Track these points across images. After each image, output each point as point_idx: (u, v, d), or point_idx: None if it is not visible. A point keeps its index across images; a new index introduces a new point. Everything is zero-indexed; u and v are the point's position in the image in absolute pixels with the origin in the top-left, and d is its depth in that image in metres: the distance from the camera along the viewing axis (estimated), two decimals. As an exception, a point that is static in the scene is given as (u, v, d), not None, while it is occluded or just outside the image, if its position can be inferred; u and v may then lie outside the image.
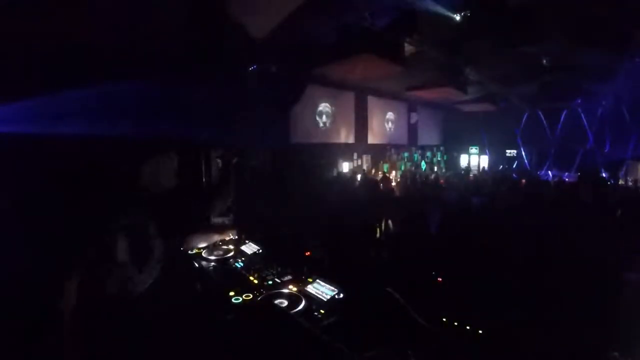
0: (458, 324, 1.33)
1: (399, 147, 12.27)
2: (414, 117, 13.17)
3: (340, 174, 9.26)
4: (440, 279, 1.80)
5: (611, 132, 10.81)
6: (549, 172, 11.90)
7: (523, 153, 12.86)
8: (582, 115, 11.36)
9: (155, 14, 4.22)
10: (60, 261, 1.53)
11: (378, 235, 3.64)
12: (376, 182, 6.89)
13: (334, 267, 1.87)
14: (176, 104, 5.28)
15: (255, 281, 1.85)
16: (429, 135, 13.95)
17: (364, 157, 10.82)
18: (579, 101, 10.72)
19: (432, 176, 9.97)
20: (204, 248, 2.41)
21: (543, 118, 12.26)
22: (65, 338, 1.19)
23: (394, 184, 8.15)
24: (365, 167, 10.60)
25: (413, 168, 11.30)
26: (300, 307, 1.56)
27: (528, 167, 12.42)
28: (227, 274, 2.01)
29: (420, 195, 6.30)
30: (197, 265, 2.12)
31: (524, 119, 12.59)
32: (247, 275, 1.95)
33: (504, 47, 6.45)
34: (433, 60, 7.28)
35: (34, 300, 1.42)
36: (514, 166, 12.68)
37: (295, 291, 1.70)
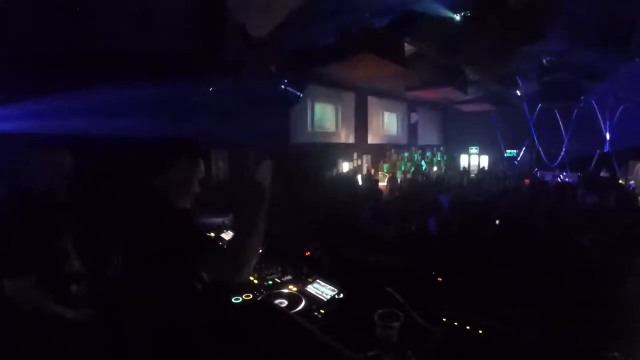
0: (458, 324, 1.33)
1: (399, 147, 12.27)
2: (414, 117, 13.15)
3: (339, 174, 9.27)
4: (440, 279, 1.80)
5: (611, 132, 10.81)
6: (549, 172, 11.88)
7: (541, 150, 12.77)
8: (582, 115, 11.35)
9: (157, 15, 4.22)
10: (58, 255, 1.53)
11: (379, 235, 3.64)
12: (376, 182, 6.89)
13: (334, 267, 1.87)
14: (175, 104, 5.27)
15: (255, 281, 1.85)
16: (429, 135, 13.94)
17: (364, 157, 10.82)
18: (580, 101, 10.70)
19: (434, 177, 9.97)
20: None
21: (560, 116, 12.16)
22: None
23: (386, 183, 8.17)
24: (365, 167, 10.60)
25: (413, 168, 11.29)
26: (300, 307, 1.56)
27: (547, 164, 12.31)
28: None
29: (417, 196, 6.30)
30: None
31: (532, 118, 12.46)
32: (247, 275, 1.95)
33: (504, 47, 6.45)
34: (433, 60, 7.28)
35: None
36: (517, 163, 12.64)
37: (295, 291, 1.70)
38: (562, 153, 11.84)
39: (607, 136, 10.96)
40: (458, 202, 5.10)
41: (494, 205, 5.12)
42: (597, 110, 10.94)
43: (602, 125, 11.10)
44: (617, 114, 10.55)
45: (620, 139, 10.67)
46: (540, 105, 11.30)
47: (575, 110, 11.33)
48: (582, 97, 10.13)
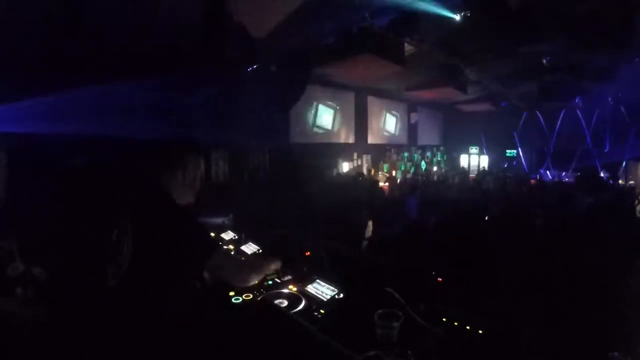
0: (458, 324, 1.33)
1: (399, 147, 12.27)
2: (414, 117, 13.16)
3: (340, 174, 9.27)
4: (440, 279, 1.80)
5: (610, 132, 10.83)
6: (547, 172, 11.94)
7: (521, 153, 12.92)
8: (581, 115, 11.40)
9: (157, 15, 4.22)
10: (57, 257, 1.53)
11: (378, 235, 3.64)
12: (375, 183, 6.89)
13: (333, 267, 1.87)
14: (175, 104, 5.28)
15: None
16: (429, 135, 13.94)
17: (364, 157, 10.82)
18: (578, 101, 10.74)
19: (434, 177, 9.96)
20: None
21: (542, 118, 12.29)
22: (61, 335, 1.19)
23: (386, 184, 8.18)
24: (365, 167, 10.59)
25: (413, 168, 11.28)
26: (300, 307, 1.55)
27: (525, 168, 12.47)
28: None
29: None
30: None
31: (522, 120, 12.60)
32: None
33: (504, 47, 6.45)
34: (433, 60, 7.28)
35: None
36: (514, 164, 12.75)
37: (295, 291, 1.70)
38: (549, 153, 12.01)
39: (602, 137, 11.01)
40: (455, 202, 5.11)
41: (492, 205, 5.11)
42: (579, 112, 11.08)
43: (585, 126, 11.24)
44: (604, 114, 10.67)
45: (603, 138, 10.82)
46: (532, 106, 11.39)
47: (563, 111, 11.43)
48: (577, 97, 10.18)
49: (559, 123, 11.98)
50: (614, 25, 5.40)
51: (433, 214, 3.95)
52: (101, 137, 4.29)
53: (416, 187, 6.53)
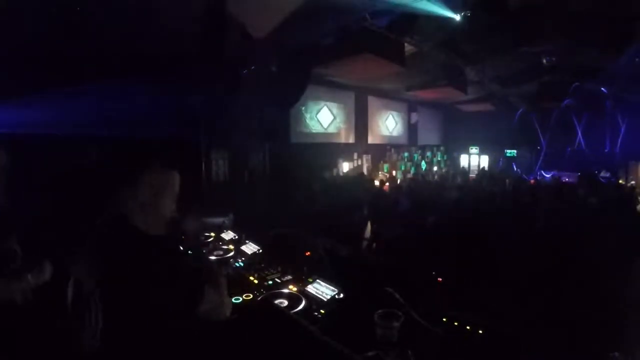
0: (458, 324, 1.33)
1: (399, 147, 12.26)
2: (414, 117, 13.15)
3: (340, 174, 9.27)
4: (440, 279, 1.80)
5: (610, 132, 10.84)
6: (542, 171, 11.95)
7: (515, 153, 12.93)
8: (577, 115, 11.41)
9: (157, 15, 4.22)
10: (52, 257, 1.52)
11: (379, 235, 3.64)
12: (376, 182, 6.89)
13: (333, 267, 1.87)
14: (176, 104, 5.28)
15: (255, 281, 1.85)
16: (429, 135, 13.93)
17: (364, 157, 10.83)
18: (573, 101, 10.72)
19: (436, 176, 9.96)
20: (204, 247, 2.41)
21: (537, 118, 12.29)
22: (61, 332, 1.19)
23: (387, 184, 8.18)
24: (365, 167, 10.59)
25: (413, 168, 11.27)
26: (300, 307, 1.56)
27: (518, 168, 12.48)
28: (227, 274, 2.01)
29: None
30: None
31: (515, 119, 12.60)
32: (247, 275, 1.95)
33: (504, 47, 6.45)
34: (433, 60, 7.28)
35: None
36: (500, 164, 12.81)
37: (295, 291, 1.70)
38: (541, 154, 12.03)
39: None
40: (455, 202, 5.11)
41: (492, 205, 5.12)
42: (574, 112, 11.09)
43: (580, 126, 11.26)
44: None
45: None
46: (531, 106, 11.38)
47: (557, 111, 11.43)
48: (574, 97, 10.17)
49: (553, 123, 11.98)
50: (612, 25, 5.40)
51: (427, 214, 3.95)
52: (98, 138, 4.29)
53: (409, 187, 6.55)
